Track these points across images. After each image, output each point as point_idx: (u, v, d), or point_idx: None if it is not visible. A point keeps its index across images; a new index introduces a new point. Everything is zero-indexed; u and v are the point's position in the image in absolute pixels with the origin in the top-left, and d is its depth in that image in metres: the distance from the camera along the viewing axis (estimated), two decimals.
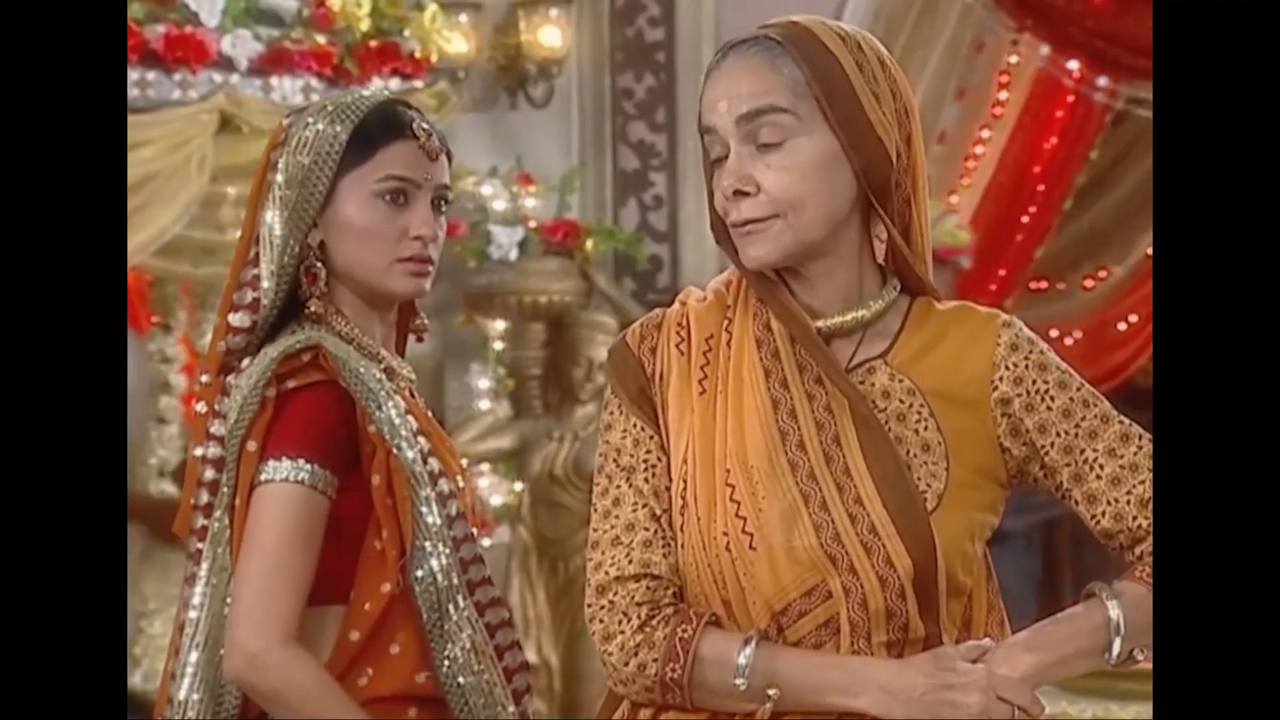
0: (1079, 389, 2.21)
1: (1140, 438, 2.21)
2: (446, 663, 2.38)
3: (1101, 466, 2.20)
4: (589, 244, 6.98)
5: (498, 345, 7.03)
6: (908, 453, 2.17)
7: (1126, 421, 2.22)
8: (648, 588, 2.17)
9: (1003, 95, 7.21)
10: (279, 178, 2.47)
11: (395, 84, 6.29)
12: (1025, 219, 7.32)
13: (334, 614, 2.39)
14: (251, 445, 2.37)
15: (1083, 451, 2.20)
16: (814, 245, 2.18)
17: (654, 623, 2.16)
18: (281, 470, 2.35)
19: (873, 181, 2.17)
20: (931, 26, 7.03)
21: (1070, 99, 7.22)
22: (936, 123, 7.08)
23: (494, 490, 7.02)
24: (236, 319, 2.46)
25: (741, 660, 2.12)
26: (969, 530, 2.19)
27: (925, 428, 2.18)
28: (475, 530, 2.48)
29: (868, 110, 2.16)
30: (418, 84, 6.38)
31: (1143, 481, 2.19)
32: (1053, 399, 2.20)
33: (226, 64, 5.97)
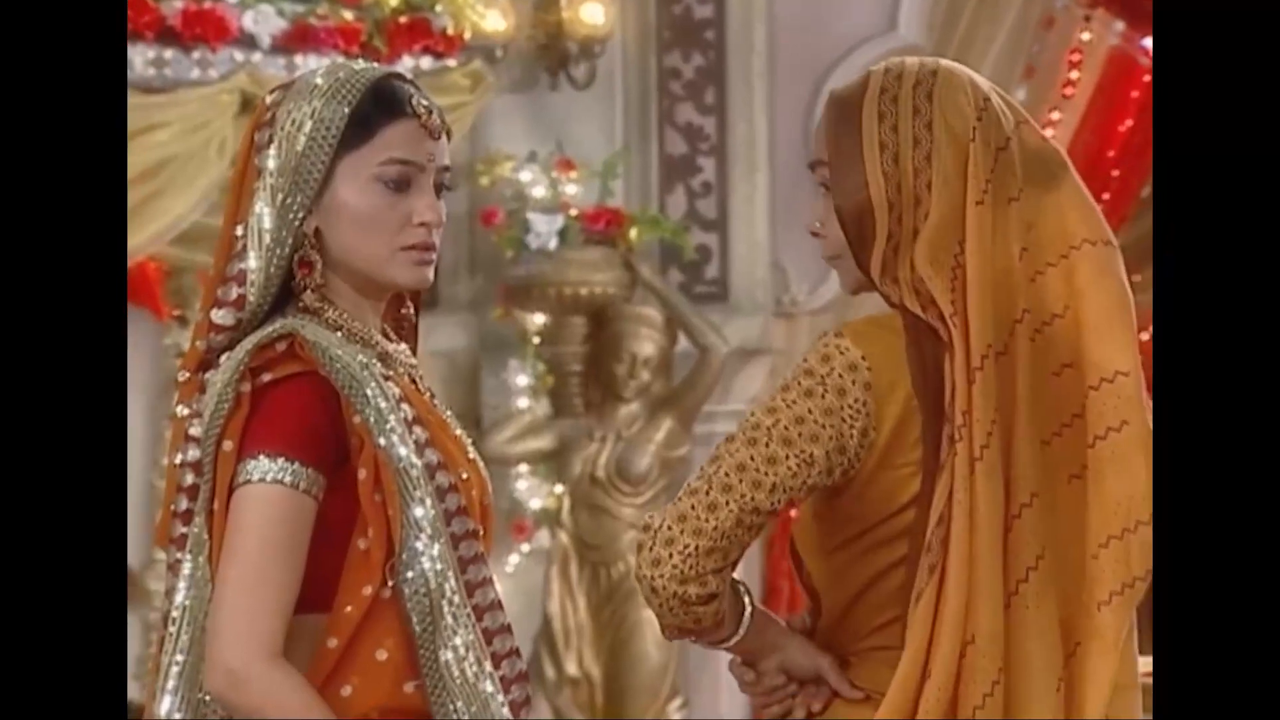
0: (754, 410, 2.50)
1: (704, 466, 2.47)
2: (438, 670, 2.31)
3: None
4: (633, 233, 6.93)
5: (536, 340, 6.98)
6: None
7: (722, 453, 2.47)
8: None
9: (1074, 75, 7.11)
10: (270, 164, 2.39)
11: (427, 63, 6.26)
12: (1099, 206, 7.21)
13: (321, 622, 2.32)
14: (228, 445, 2.29)
15: None
16: (866, 283, 2.53)
17: None
18: (261, 470, 2.28)
19: (845, 218, 2.50)
20: (997, 2, 6.95)
21: (1146, 78, 7.11)
22: None
23: (533, 493, 6.99)
24: (220, 316, 2.39)
25: None
26: None
27: None
28: (480, 527, 2.40)
29: (865, 163, 2.49)
30: (450, 63, 6.34)
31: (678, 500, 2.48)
32: None
33: (248, 41, 5.95)
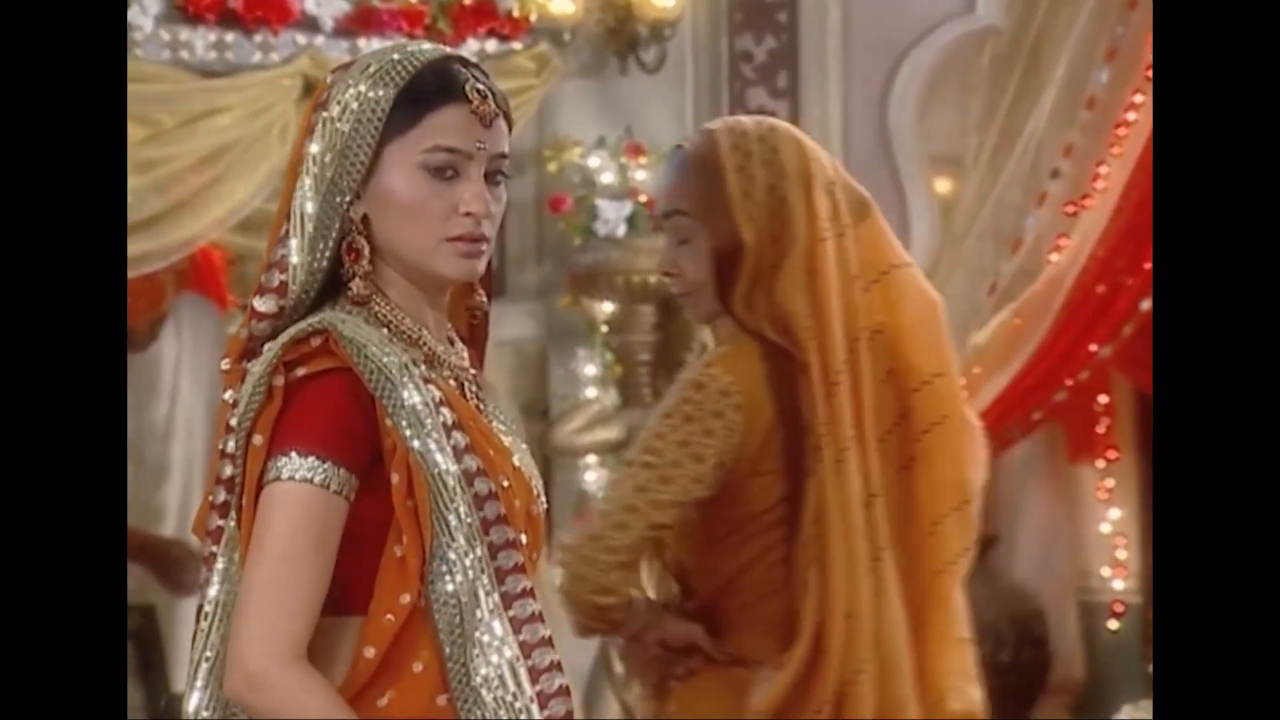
0: (643, 435, 2.98)
1: (608, 489, 3.04)
2: (470, 684, 2.27)
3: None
4: None
5: (605, 329, 6.94)
6: None
7: (623, 478, 2.99)
8: None
9: None
10: (314, 147, 2.36)
11: (492, 46, 6.23)
12: None
13: (354, 625, 2.29)
14: (258, 439, 2.27)
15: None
16: (715, 315, 3.06)
17: None
18: (291, 467, 2.25)
19: (719, 258, 2.99)
20: None
21: None
22: (1085, 87, 6.90)
23: (601, 485, 6.95)
24: (262, 303, 2.37)
25: None
26: None
27: None
28: (522, 536, 2.34)
29: (734, 210, 2.97)
30: (516, 46, 6.31)
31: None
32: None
33: (311, 24, 5.94)
